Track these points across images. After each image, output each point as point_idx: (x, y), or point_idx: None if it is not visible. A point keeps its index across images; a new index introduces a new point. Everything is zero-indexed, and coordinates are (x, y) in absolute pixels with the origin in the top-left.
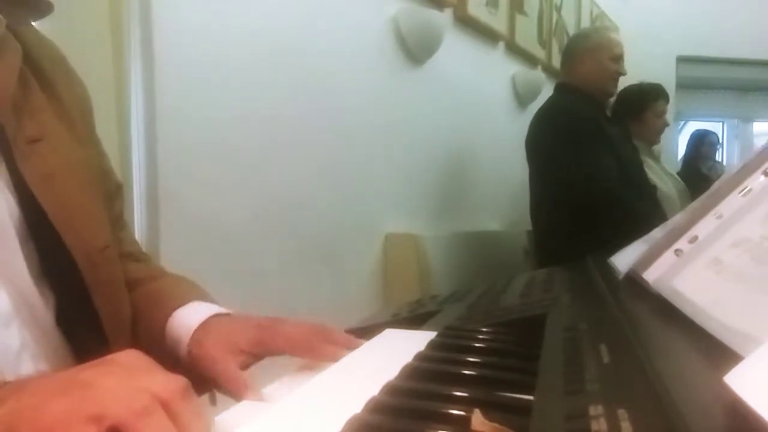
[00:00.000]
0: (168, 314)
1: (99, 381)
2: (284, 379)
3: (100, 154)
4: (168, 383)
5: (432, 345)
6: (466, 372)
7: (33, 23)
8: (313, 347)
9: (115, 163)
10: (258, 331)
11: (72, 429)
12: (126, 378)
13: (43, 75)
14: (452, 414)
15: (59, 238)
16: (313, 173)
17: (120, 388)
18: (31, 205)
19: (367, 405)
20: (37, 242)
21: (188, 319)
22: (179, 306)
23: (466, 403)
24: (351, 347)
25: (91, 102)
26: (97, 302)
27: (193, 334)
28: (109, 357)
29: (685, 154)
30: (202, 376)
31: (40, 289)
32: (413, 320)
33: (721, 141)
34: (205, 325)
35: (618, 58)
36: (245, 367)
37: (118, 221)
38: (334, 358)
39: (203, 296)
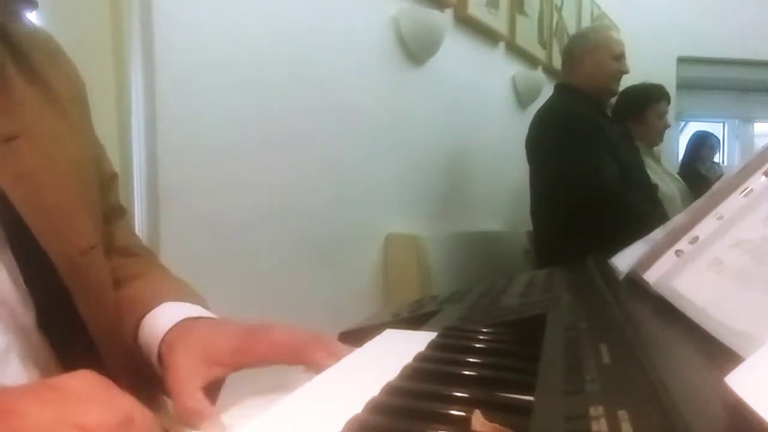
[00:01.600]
0: (138, 322)
1: (30, 410)
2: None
3: (95, 143)
4: (107, 417)
5: (432, 345)
6: (466, 372)
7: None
8: (300, 351)
9: (115, 163)
10: (239, 338)
11: None
12: (62, 409)
13: (31, 68)
14: (452, 414)
15: (36, 241)
16: (314, 173)
17: (49, 421)
18: (5, 207)
19: (367, 405)
20: (14, 246)
21: (156, 324)
22: (148, 311)
23: (466, 404)
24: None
25: (86, 91)
26: (79, 306)
27: (163, 338)
28: (56, 380)
29: (685, 155)
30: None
31: (20, 293)
32: (413, 320)
33: (721, 142)
34: (178, 329)
35: (619, 57)
36: (218, 381)
37: (113, 212)
38: (321, 366)
39: (179, 295)
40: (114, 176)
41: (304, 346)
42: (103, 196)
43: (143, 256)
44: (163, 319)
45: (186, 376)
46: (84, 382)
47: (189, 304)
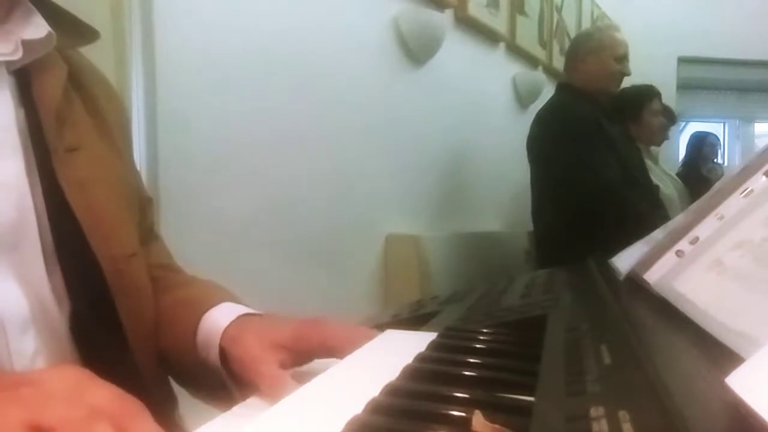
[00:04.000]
0: (199, 318)
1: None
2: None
3: (133, 169)
4: (68, 414)
5: (432, 346)
6: (466, 373)
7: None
8: (353, 342)
9: None
10: (297, 325)
11: None
12: (27, 410)
13: (85, 91)
14: (453, 415)
15: (87, 244)
16: (314, 173)
17: (14, 420)
18: (62, 210)
19: (367, 406)
20: (63, 248)
21: (218, 320)
22: (210, 308)
23: (466, 404)
24: None
25: (128, 120)
26: (120, 309)
27: (224, 334)
28: (36, 375)
29: (686, 156)
30: (240, 379)
31: (57, 297)
32: (414, 321)
33: (721, 142)
34: (238, 324)
35: (622, 59)
36: (287, 366)
37: (149, 234)
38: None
39: (235, 300)
40: (149, 200)
41: (358, 337)
42: (140, 218)
43: (184, 273)
44: (223, 316)
45: (261, 358)
46: (64, 378)
47: (244, 307)
